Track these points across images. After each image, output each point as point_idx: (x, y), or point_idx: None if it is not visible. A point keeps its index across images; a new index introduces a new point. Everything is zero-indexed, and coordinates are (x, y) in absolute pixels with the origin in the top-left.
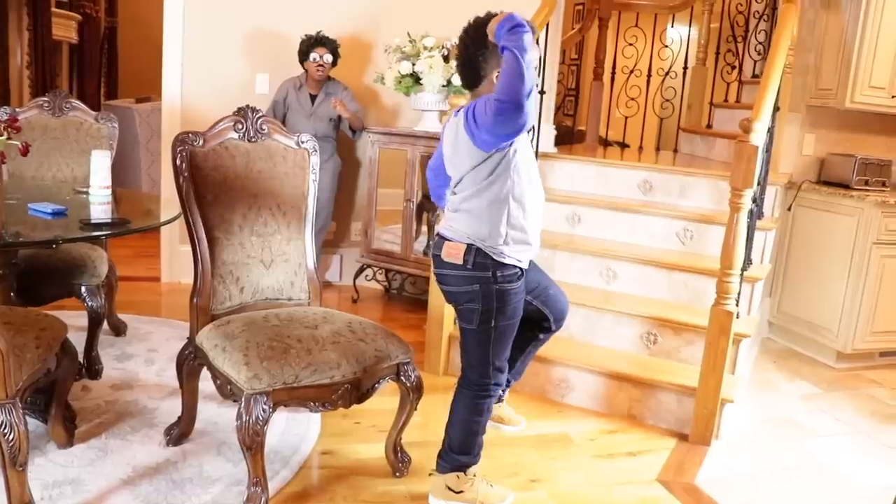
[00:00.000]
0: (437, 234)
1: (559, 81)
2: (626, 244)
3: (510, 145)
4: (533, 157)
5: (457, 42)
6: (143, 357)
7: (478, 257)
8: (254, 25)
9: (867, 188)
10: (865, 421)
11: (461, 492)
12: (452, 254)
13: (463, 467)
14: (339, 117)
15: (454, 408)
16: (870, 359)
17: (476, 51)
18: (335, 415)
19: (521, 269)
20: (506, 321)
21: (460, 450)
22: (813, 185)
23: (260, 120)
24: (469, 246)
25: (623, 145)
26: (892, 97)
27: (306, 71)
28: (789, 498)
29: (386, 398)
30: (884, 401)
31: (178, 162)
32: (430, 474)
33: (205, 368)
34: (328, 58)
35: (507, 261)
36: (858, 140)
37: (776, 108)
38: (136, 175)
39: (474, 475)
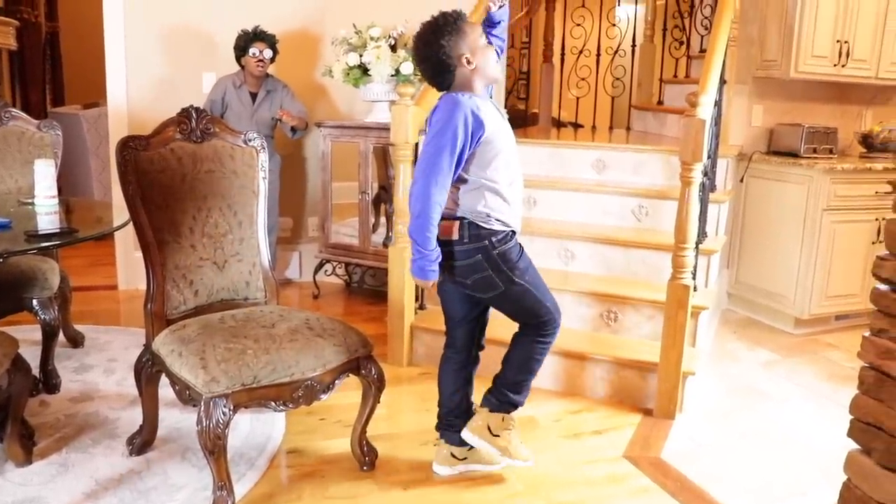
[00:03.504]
0: None
1: (509, 65)
2: (582, 224)
3: (478, 143)
4: (511, 151)
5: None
6: (103, 367)
7: (471, 230)
8: (197, 23)
9: (815, 156)
10: (824, 384)
11: (498, 435)
12: (444, 231)
13: (512, 406)
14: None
15: (514, 346)
16: (826, 323)
17: (437, 51)
18: (300, 412)
19: (511, 230)
20: (527, 275)
21: (513, 388)
22: (763, 155)
23: (205, 120)
24: (461, 221)
25: (576, 126)
26: (835, 65)
27: (243, 67)
28: (754, 465)
29: (351, 392)
30: (840, 363)
31: (123, 167)
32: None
33: (164, 375)
34: (267, 53)
35: (496, 227)
36: (805, 109)
37: (723, 81)
38: (87, 182)
39: (514, 425)
